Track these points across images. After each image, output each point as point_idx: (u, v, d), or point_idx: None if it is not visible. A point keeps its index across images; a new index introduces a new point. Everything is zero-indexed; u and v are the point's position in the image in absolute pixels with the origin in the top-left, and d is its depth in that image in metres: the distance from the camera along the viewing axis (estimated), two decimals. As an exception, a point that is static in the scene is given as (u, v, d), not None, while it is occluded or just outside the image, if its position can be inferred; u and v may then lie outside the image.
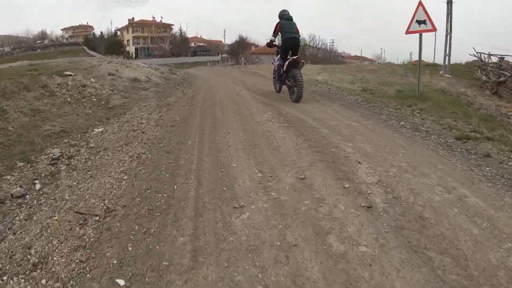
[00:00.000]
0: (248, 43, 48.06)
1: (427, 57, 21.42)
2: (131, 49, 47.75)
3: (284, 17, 5.70)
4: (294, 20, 5.72)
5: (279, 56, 6.00)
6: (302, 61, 5.71)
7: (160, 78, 9.10)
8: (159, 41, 48.87)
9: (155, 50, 47.42)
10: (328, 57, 34.80)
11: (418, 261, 1.79)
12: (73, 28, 63.33)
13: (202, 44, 58.74)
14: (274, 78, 6.51)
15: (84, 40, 51.11)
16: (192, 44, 56.89)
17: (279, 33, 5.68)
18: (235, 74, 12.07)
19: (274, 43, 6.01)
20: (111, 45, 43.71)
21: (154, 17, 50.87)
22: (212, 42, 61.10)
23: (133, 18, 49.19)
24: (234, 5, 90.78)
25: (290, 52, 5.66)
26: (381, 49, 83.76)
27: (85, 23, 64.29)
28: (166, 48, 48.66)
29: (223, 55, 51.88)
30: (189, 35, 57.13)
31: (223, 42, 55.99)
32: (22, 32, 62.71)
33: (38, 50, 55.69)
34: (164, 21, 51.74)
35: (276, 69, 6.23)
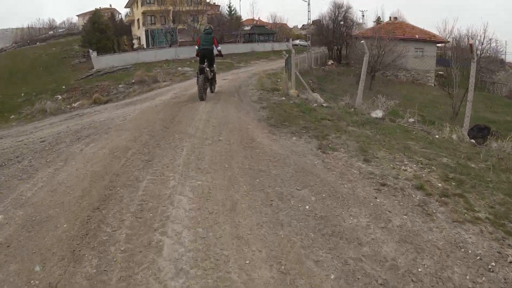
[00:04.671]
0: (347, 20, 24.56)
1: None
2: (140, 33, 28.17)
3: (205, 31, 7.40)
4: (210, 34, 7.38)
5: None
6: (207, 69, 7.07)
7: None
8: (189, 20, 28.35)
9: (178, 35, 27.06)
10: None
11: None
12: (90, 13, 47.99)
13: (261, 25, 37.56)
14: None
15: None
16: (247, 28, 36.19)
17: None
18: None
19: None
20: (90, 31, 24.78)
21: (184, -17, 30.53)
22: (275, 25, 39.96)
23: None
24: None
25: (206, 59, 7.14)
26: None
27: (109, 6, 48.66)
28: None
29: (295, 42, 29.73)
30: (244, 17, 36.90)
31: (307, 19, 33.75)
32: (35, 23, 50.27)
33: (38, 43, 41.54)
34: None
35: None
